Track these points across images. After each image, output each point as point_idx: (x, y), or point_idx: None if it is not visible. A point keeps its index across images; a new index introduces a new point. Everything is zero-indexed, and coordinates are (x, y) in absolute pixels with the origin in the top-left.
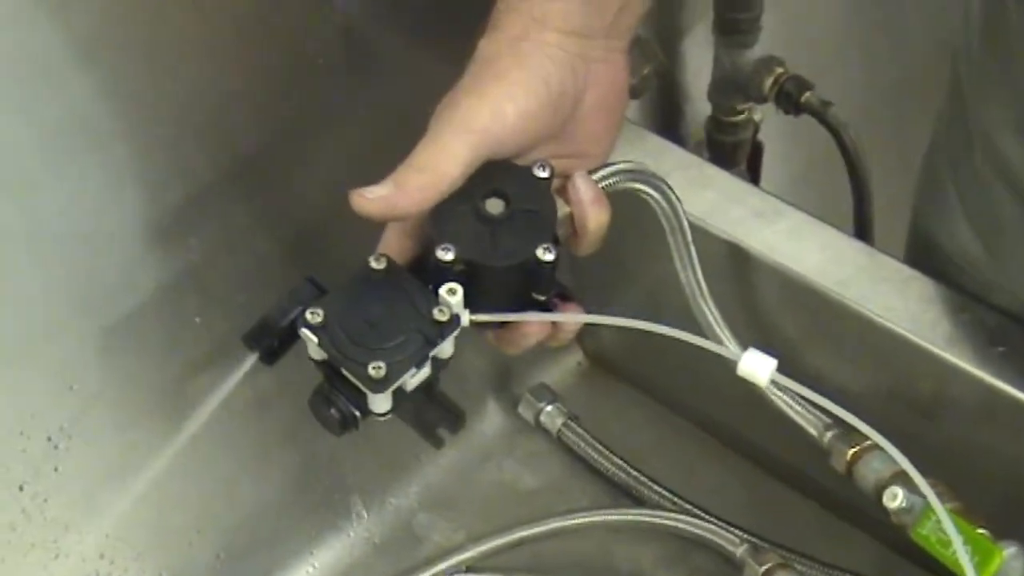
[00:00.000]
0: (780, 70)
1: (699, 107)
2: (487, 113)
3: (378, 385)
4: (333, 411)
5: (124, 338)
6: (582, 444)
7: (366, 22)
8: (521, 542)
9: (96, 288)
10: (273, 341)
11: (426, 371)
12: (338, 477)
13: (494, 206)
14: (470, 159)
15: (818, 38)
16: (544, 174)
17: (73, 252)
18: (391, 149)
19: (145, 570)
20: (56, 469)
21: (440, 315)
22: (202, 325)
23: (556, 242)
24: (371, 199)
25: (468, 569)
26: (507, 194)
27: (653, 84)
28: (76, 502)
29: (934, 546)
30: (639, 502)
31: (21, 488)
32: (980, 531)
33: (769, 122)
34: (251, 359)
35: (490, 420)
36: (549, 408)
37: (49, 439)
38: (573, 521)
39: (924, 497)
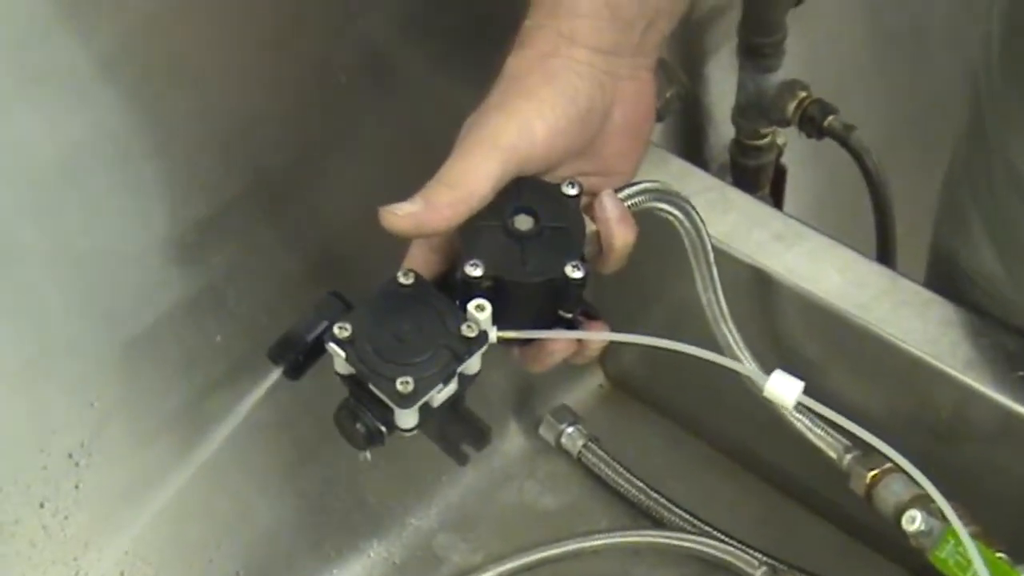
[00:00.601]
0: (804, 94)
1: (722, 130)
2: (515, 130)
3: (406, 400)
4: (359, 426)
5: (144, 354)
6: (602, 466)
7: (390, 42)
8: (541, 563)
9: (117, 304)
10: (298, 356)
11: (453, 387)
12: (358, 497)
13: (523, 223)
14: (499, 175)
15: (842, 63)
16: (573, 192)
17: (94, 269)
18: (413, 169)
19: None
20: (76, 486)
21: (468, 331)
22: (222, 343)
23: (584, 260)
24: (401, 216)
25: None
26: (536, 211)
27: (676, 107)
28: (96, 519)
29: (952, 570)
30: (658, 524)
31: (42, 505)
32: (999, 555)
33: (792, 146)
34: (271, 377)
35: (511, 441)
36: (570, 430)
37: (70, 456)
38: (593, 543)
39: (944, 520)
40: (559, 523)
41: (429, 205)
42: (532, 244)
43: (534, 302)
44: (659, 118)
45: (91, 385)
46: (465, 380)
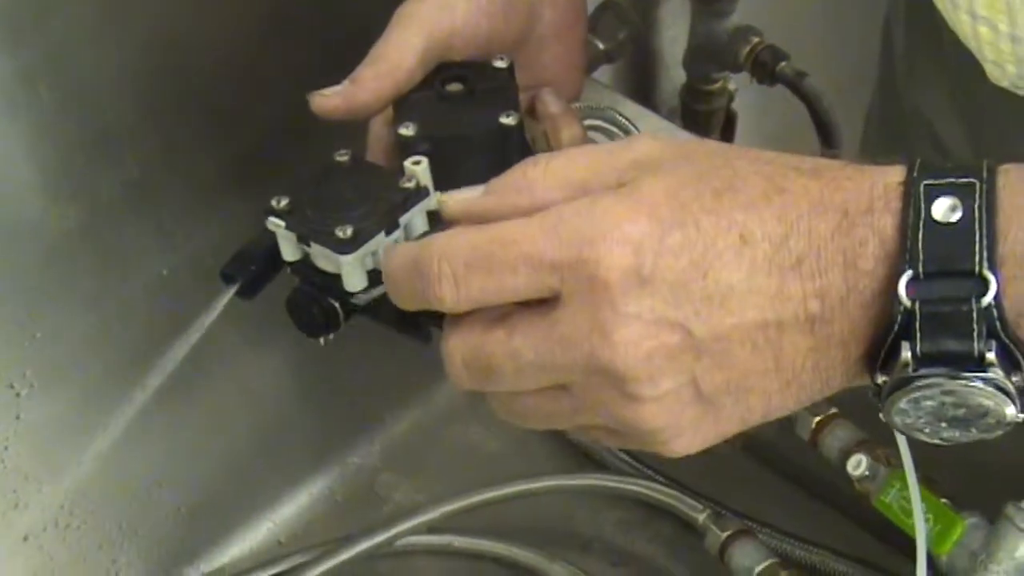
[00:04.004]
0: (756, 40)
1: (674, 75)
2: (435, 6)
3: (346, 246)
4: (312, 307)
5: (88, 285)
6: None
7: None
8: (484, 504)
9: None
10: (251, 267)
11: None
12: (301, 434)
13: (454, 88)
14: (422, 48)
15: (794, 9)
16: (503, 64)
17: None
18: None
19: (104, 521)
20: (17, 417)
21: (407, 183)
22: (168, 277)
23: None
24: (329, 95)
25: (429, 530)
26: (467, 78)
27: (628, 50)
28: (37, 451)
29: (896, 514)
30: (602, 467)
31: None
32: (942, 501)
33: (743, 92)
34: (214, 315)
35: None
36: None
37: (11, 386)
38: (536, 485)
39: (888, 466)
40: (503, 465)
41: (355, 83)
42: (465, 103)
43: (474, 159)
44: (611, 60)
45: (33, 316)
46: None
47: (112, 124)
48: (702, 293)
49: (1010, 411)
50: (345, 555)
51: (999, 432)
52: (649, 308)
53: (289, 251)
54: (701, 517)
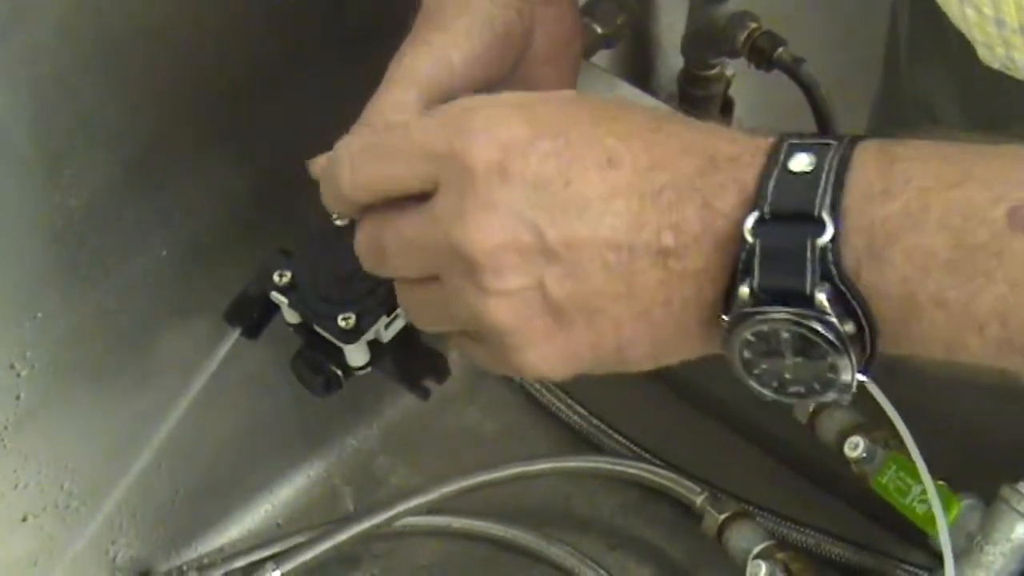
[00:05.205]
0: (754, 25)
1: (672, 60)
2: (432, 61)
3: (349, 336)
4: (315, 373)
5: (89, 269)
6: (544, 391)
7: None
8: (480, 487)
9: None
10: (252, 314)
11: (401, 321)
12: (300, 418)
13: None
14: (419, 108)
15: None
16: None
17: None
18: (366, 90)
19: (104, 503)
20: (18, 398)
21: None
22: (168, 258)
23: None
24: (324, 162)
25: (428, 511)
26: None
27: (626, 34)
28: (37, 432)
29: (892, 495)
30: (599, 450)
31: None
32: (939, 482)
33: (741, 77)
34: (217, 360)
35: (454, 364)
36: None
37: (12, 366)
38: (533, 467)
39: (886, 447)
40: (500, 447)
41: None
42: None
43: None
44: (609, 45)
45: (34, 296)
46: None
47: (113, 105)
48: (561, 200)
49: (843, 361)
50: (343, 536)
51: (844, 393)
52: (507, 203)
53: (292, 316)
54: (699, 500)
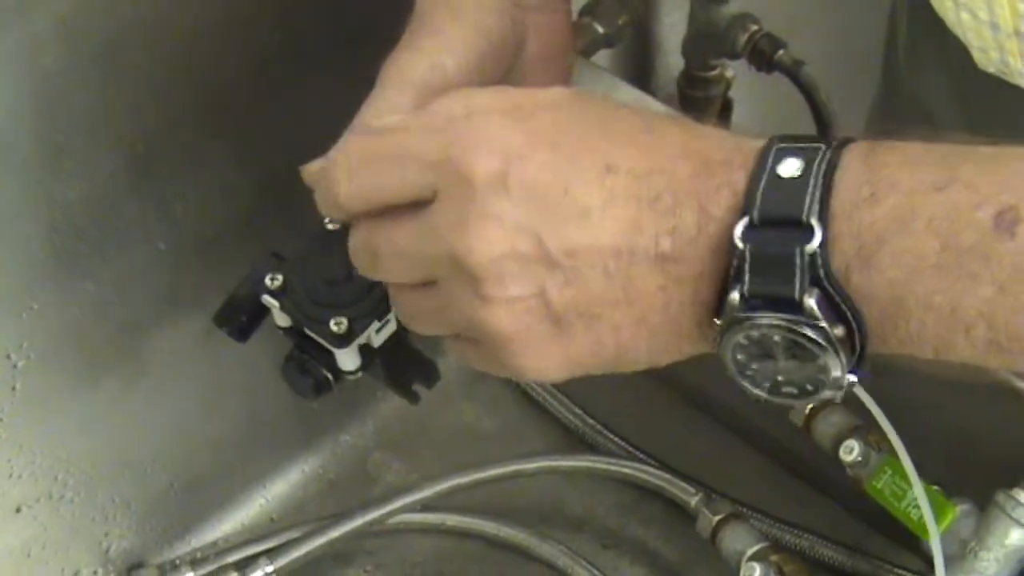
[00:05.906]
0: (754, 27)
1: (672, 61)
2: (425, 66)
3: (341, 341)
4: (306, 376)
5: (87, 260)
6: (540, 390)
7: None
8: (475, 484)
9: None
10: (242, 317)
11: (392, 325)
12: (294, 413)
13: None
14: (412, 112)
15: None
16: None
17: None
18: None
19: (98, 494)
20: (14, 388)
21: None
22: (166, 251)
23: None
24: (316, 168)
25: (422, 508)
26: None
27: (628, 35)
28: (32, 423)
29: (888, 499)
30: (595, 449)
31: None
32: (934, 487)
33: (741, 79)
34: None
35: (449, 362)
36: None
37: (8, 357)
38: (528, 465)
39: (880, 451)
40: (495, 445)
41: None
42: None
43: None
44: (610, 44)
45: (31, 287)
46: None
47: (114, 98)
48: (560, 209)
49: (834, 363)
50: (337, 532)
51: (836, 392)
52: (508, 213)
53: (282, 319)
54: (693, 500)
